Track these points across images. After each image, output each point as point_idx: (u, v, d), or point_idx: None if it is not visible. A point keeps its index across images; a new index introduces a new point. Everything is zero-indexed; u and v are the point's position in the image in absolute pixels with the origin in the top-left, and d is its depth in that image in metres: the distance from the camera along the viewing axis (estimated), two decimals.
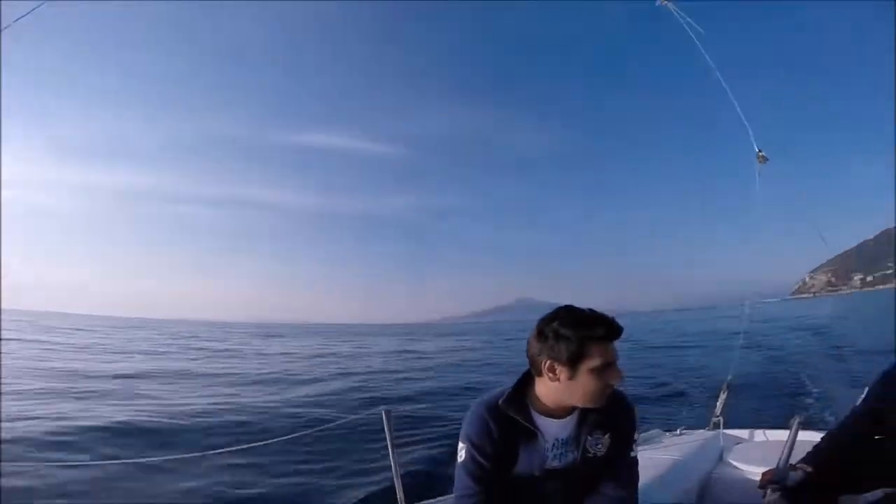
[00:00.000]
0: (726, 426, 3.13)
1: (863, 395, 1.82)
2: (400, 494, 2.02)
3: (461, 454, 1.24)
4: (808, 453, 1.81)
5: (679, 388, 9.64)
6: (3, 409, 6.98)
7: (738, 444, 2.84)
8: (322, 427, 6.08)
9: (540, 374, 1.21)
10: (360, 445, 5.87)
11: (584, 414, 1.25)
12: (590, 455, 1.26)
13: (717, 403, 3.15)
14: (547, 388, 1.21)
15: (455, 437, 1.29)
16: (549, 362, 1.17)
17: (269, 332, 58.28)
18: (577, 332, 1.15)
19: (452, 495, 1.26)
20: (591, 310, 1.20)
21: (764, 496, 1.74)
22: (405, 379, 13.13)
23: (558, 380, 1.17)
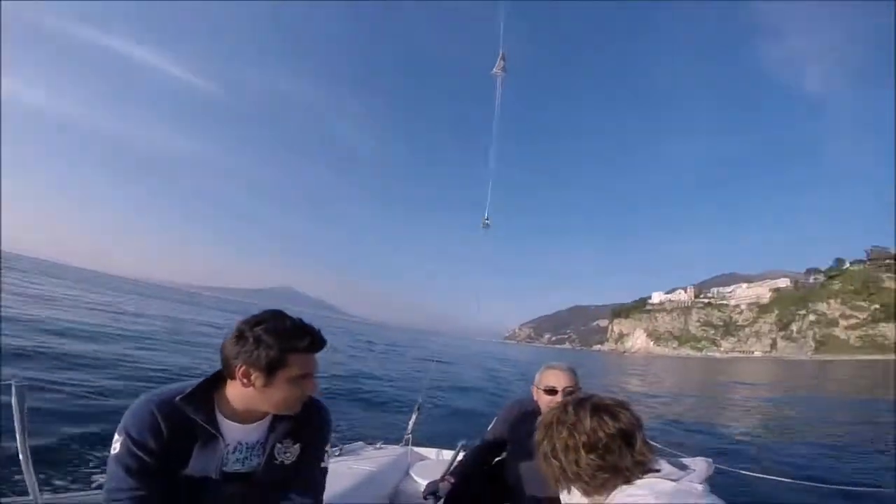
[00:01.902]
0: (418, 444, 3.52)
1: (492, 423, 2.28)
2: (33, 488, 1.64)
3: (116, 446, 1.12)
4: (455, 468, 2.22)
5: (395, 402, 10.35)
6: None
7: (421, 460, 3.25)
8: None
9: (232, 378, 1.17)
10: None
11: (276, 421, 1.26)
12: (277, 462, 1.27)
13: (409, 422, 3.51)
14: (238, 392, 1.18)
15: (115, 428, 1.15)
16: (243, 367, 1.14)
17: None
18: (280, 341, 1.14)
19: (102, 489, 1.13)
20: (299, 319, 1.21)
21: None
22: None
23: (252, 386, 1.15)
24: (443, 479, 2.13)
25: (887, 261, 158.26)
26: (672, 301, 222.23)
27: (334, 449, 2.88)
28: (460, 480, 2.14)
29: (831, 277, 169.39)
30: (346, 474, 2.44)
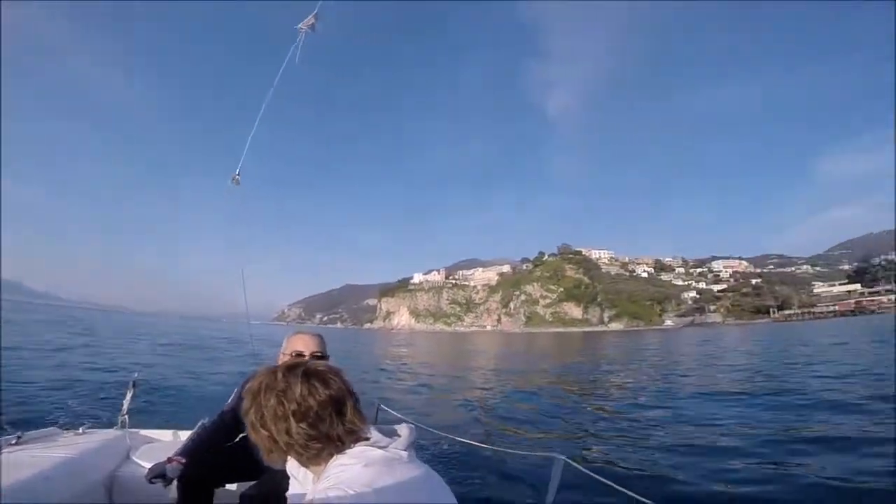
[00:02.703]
0: (144, 427, 3.17)
1: (231, 397, 2.18)
2: None
3: None
4: (185, 447, 2.04)
5: (109, 385, 8.97)
6: None
7: (147, 443, 2.93)
8: None
9: None
10: None
11: None
12: None
13: (124, 402, 3.15)
14: None
15: None
16: None
17: None
18: None
19: None
20: None
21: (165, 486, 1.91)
22: None
23: None
24: (170, 459, 1.96)
25: (570, 255, 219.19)
26: (429, 281, 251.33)
27: (9, 437, 2.40)
28: (192, 460, 1.98)
29: (536, 266, 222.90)
30: (32, 464, 2.09)
